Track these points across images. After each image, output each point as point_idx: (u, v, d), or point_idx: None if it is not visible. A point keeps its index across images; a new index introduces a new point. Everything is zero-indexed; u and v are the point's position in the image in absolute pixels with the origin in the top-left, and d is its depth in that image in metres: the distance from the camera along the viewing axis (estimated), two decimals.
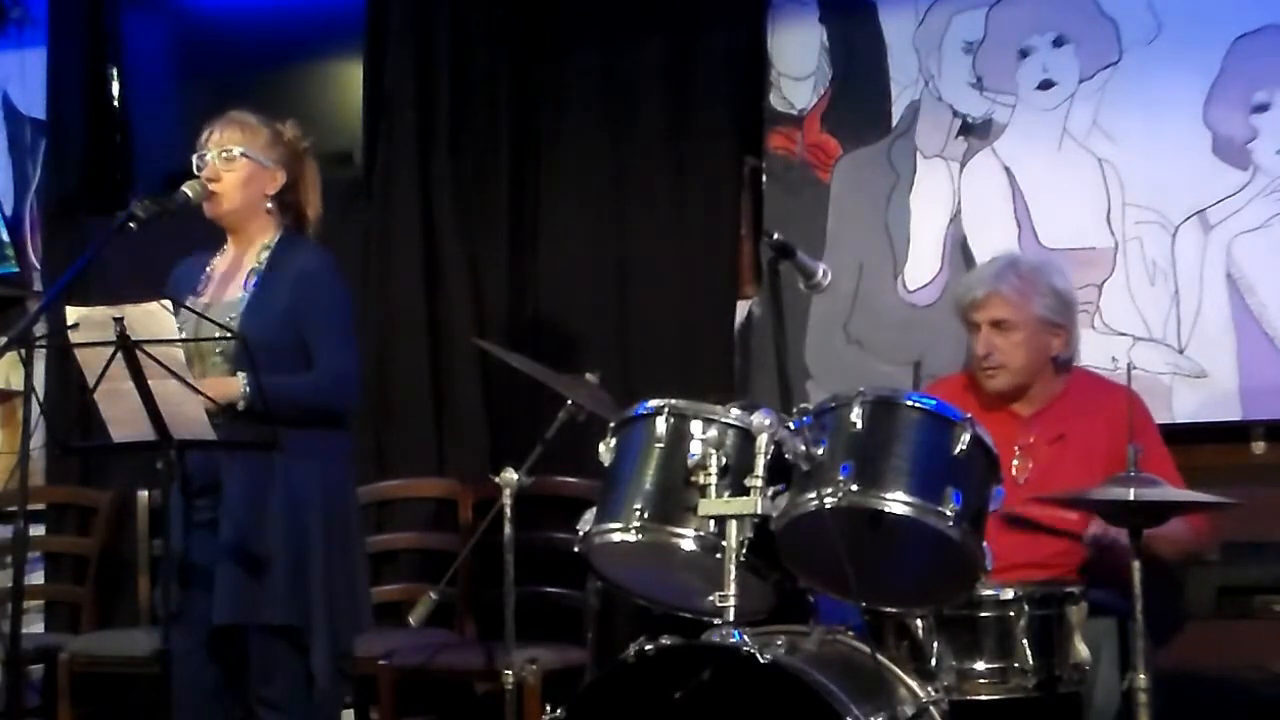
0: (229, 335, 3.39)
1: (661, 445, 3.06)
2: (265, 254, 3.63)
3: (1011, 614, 3.18)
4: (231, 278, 3.65)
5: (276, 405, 3.33)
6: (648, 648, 2.90)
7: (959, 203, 4.73)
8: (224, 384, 3.41)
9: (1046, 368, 3.67)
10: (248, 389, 3.39)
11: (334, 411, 3.60)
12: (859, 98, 4.85)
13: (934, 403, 3.04)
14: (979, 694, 3.17)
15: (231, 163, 3.61)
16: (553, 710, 2.93)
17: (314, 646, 3.49)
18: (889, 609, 3.14)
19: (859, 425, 2.97)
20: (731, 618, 2.87)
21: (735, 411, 3.06)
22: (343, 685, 3.72)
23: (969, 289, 3.69)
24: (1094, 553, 3.38)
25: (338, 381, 3.58)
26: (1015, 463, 3.56)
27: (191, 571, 3.45)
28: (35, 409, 3.37)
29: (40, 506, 5.32)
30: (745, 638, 2.82)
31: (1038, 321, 3.63)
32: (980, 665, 3.18)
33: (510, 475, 3.77)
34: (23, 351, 3.29)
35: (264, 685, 3.51)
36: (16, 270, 5.70)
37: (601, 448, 3.18)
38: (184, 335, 3.30)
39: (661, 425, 3.06)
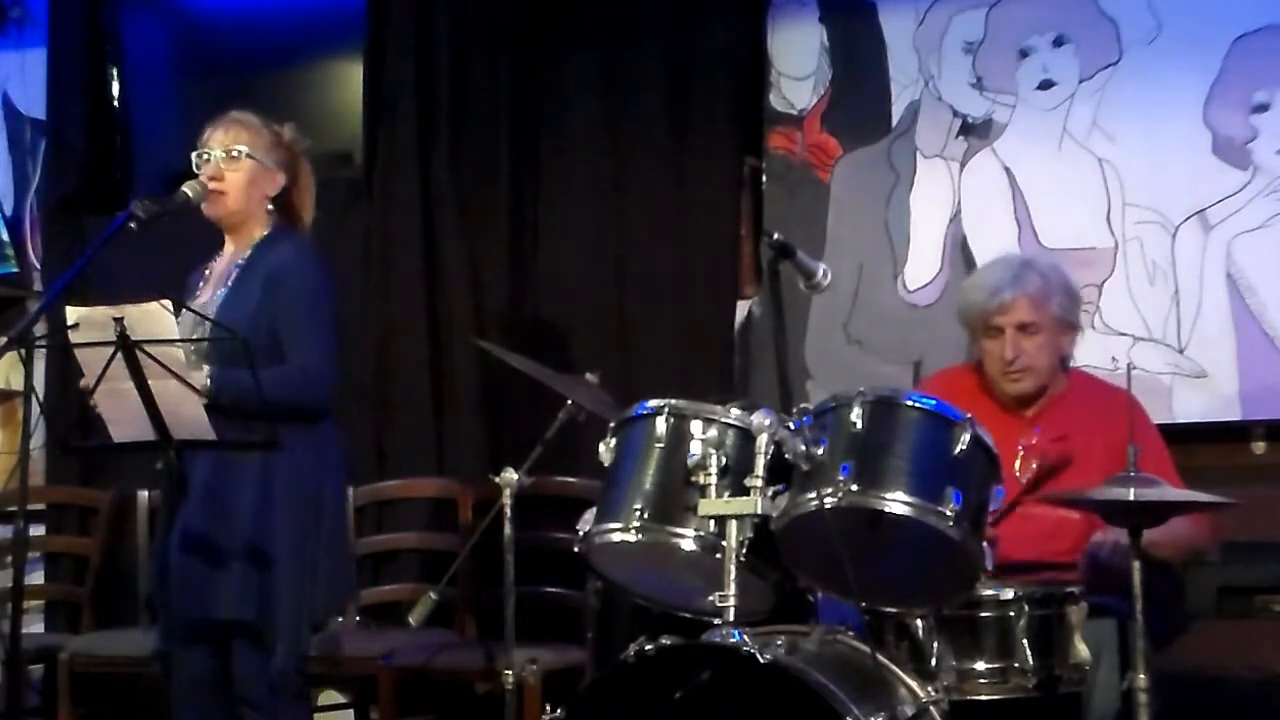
0: (231, 336, 3.39)
1: (661, 445, 3.06)
2: (250, 251, 3.63)
3: (1011, 614, 3.18)
4: (221, 277, 3.66)
5: (240, 399, 3.31)
6: (648, 648, 2.90)
7: (959, 203, 4.73)
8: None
9: (1058, 366, 3.68)
10: (209, 382, 3.37)
11: (305, 407, 3.55)
12: (859, 98, 4.86)
13: (934, 403, 3.04)
14: (979, 694, 3.17)
15: (236, 163, 3.61)
16: (553, 710, 2.93)
17: (276, 643, 3.48)
18: (889, 609, 3.14)
19: (859, 425, 2.97)
20: (731, 618, 2.88)
21: (735, 411, 3.06)
22: (300, 683, 3.66)
23: (993, 293, 3.64)
24: (1092, 572, 3.36)
25: (307, 376, 3.54)
26: (1018, 463, 3.56)
27: (173, 570, 3.45)
28: (35, 409, 3.37)
29: (40, 506, 5.32)
30: (745, 638, 2.83)
31: (1056, 321, 3.64)
32: (980, 665, 3.18)
33: (510, 475, 3.77)
34: (23, 351, 3.29)
35: (244, 684, 3.51)
36: (16, 270, 5.70)
37: (601, 448, 3.18)
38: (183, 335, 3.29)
39: (661, 425, 3.07)
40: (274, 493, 3.49)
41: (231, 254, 3.69)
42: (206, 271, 3.72)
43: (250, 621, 3.46)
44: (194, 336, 3.43)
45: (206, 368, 3.41)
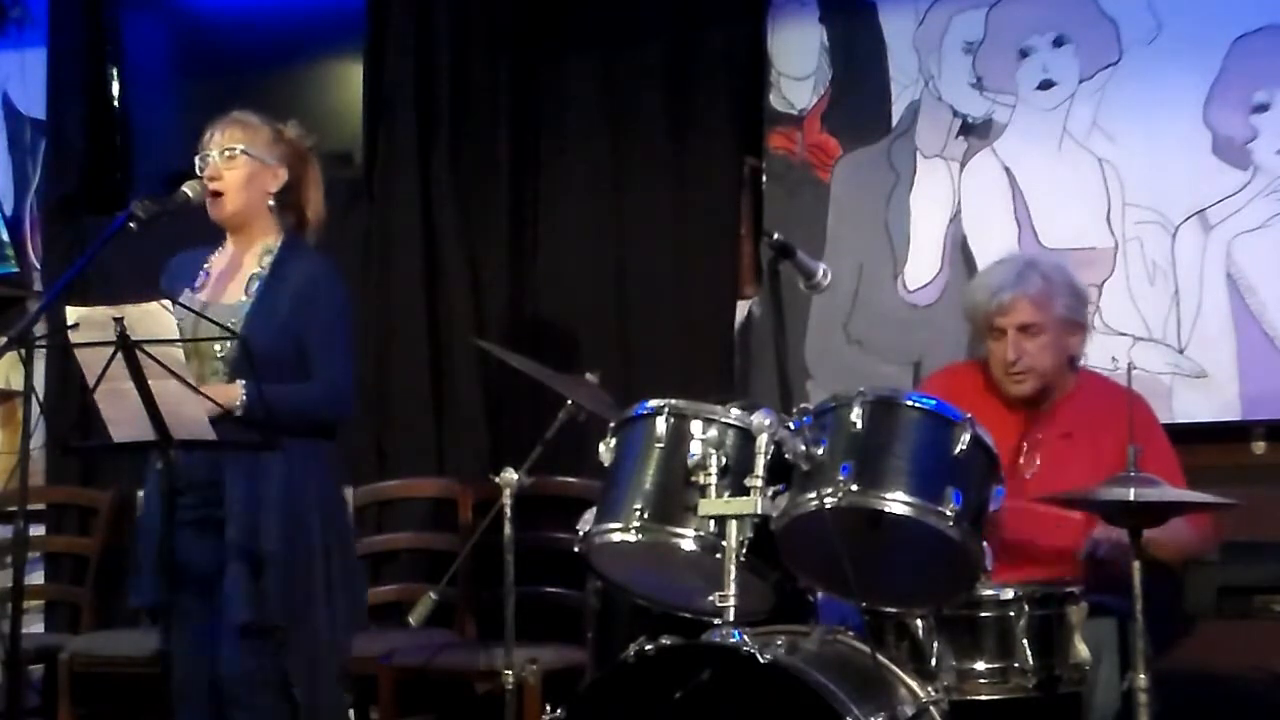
0: (230, 335, 3.38)
1: (661, 445, 3.06)
2: (268, 258, 3.62)
3: (1011, 614, 3.18)
4: (230, 278, 3.64)
5: (275, 413, 3.32)
6: (648, 648, 2.90)
7: (959, 203, 4.73)
8: (223, 390, 3.40)
9: (1064, 367, 3.67)
10: (246, 396, 3.39)
11: (330, 422, 3.60)
12: (859, 98, 4.86)
13: (934, 403, 3.04)
14: (979, 694, 3.17)
15: (233, 161, 3.60)
16: (553, 710, 2.93)
17: (300, 648, 3.47)
18: (889, 609, 3.14)
19: (859, 425, 2.97)
20: (731, 618, 2.88)
21: (735, 411, 3.06)
22: (346, 686, 3.70)
23: (994, 293, 3.64)
24: (1091, 566, 3.36)
25: (335, 393, 3.57)
26: (1023, 459, 3.56)
27: (180, 571, 3.43)
28: (35, 409, 3.37)
29: (40, 506, 5.32)
30: (745, 638, 2.83)
31: (1060, 322, 3.63)
32: (980, 665, 3.18)
33: (510, 475, 3.76)
34: (23, 351, 3.29)
35: (248, 689, 3.48)
36: (16, 270, 5.70)
37: (601, 448, 3.18)
38: (182, 332, 3.29)
39: (661, 425, 3.07)
40: (306, 499, 3.49)
41: (235, 254, 3.67)
42: (206, 266, 3.70)
43: (258, 624, 3.45)
44: (195, 336, 3.42)
45: (240, 382, 3.41)
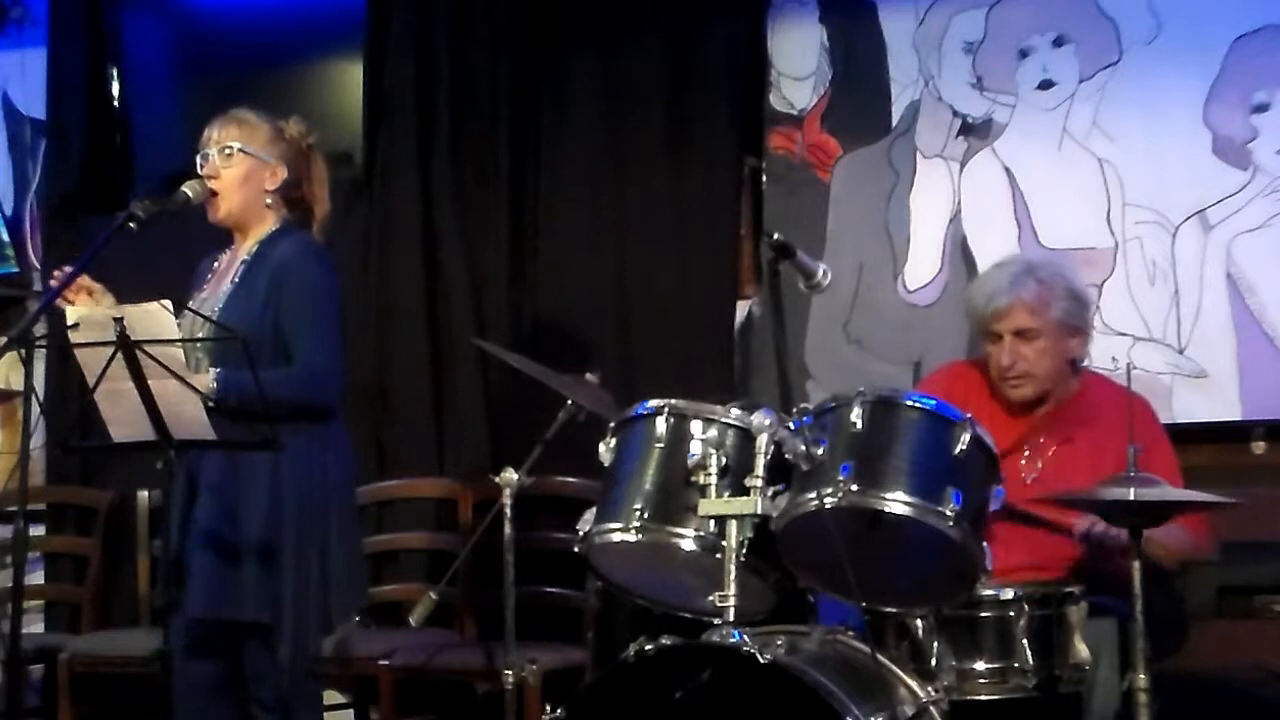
0: (230, 336, 3.38)
1: (661, 445, 3.06)
2: (256, 246, 3.63)
3: (1011, 614, 3.17)
4: (227, 273, 3.65)
5: (247, 400, 3.31)
6: (648, 648, 2.90)
7: (959, 203, 4.73)
8: (195, 378, 3.35)
9: (1065, 370, 3.66)
10: (215, 384, 3.37)
11: (313, 406, 3.54)
12: (859, 98, 4.86)
13: (934, 403, 3.04)
14: (979, 694, 3.17)
15: (230, 159, 3.61)
16: (553, 710, 2.93)
17: (280, 643, 3.46)
18: (889, 609, 3.14)
19: (859, 425, 2.97)
20: (731, 618, 2.88)
21: (735, 411, 3.06)
22: (312, 685, 3.65)
23: (990, 298, 3.62)
24: (1087, 549, 3.36)
25: (314, 375, 3.53)
26: (1024, 463, 3.55)
27: (181, 568, 3.44)
28: (35, 409, 3.37)
29: (40, 506, 5.32)
30: (745, 638, 2.83)
31: (1058, 326, 3.60)
32: (980, 665, 3.18)
33: (510, 475, 3.76)
34: (23, 351, 3.29)
35: (255, 683, 3.50)
36: (16, 270, 5.70)
37: (601, 448, 3.18)
38: (184, 334, 3.29)
39: (661, 425, 3.07)
40: (283, 493, 3.47)
41: (235, 250, 3.68)
42: (215, 264, 3.71)
43: (264, 622, 3.45)
44: (195, 336, 3.42)
45: (213, 370, 3.40)
